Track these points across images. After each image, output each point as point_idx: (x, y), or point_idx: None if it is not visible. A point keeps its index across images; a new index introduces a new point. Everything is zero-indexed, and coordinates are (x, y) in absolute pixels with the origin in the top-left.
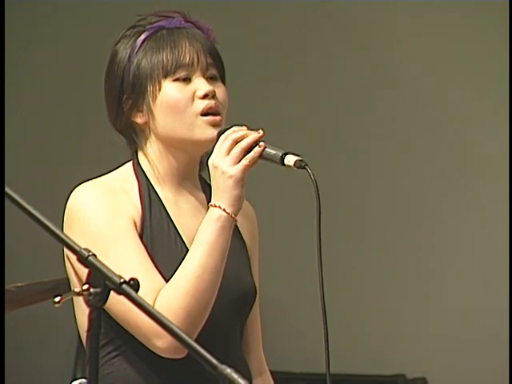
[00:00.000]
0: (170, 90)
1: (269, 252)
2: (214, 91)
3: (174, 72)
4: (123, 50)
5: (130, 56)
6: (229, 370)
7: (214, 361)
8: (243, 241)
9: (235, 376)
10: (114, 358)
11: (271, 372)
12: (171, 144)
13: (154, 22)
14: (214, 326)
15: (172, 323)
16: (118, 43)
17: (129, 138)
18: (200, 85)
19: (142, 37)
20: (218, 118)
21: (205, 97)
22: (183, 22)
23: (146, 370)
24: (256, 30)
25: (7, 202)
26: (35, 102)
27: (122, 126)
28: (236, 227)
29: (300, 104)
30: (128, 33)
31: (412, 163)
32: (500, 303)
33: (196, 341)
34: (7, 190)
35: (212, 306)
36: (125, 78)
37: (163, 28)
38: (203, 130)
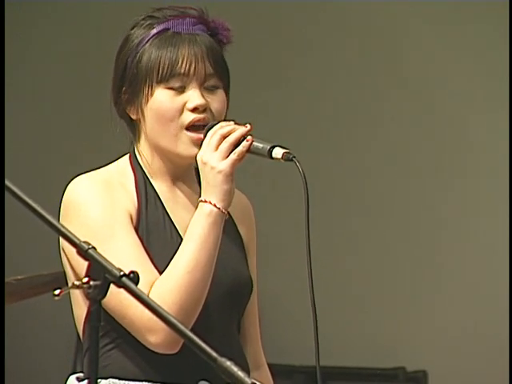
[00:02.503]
0: (161, 98)
1: (267, 244)
2: (206, 104)
3: (168, 80)
4: (133, 40)
5: (134, 49)
6: (229, 363)
7: (214, 353)
8: (239, 233)
9: (235, 369)
10: (110, 350)
11: (270, 365)
12: (158, 149)
13: (167, 19)
14: (210, 319)
15: (173, 316)
16: (133, 29)
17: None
18: (192, 97)
19: (150, 33)
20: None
21: (194, 110)
22: (192, 26)
23: (142, 362)
24: (256, 29)
25: (7, 194)
26: (34, 100)
27: (120, 114)
28: (231, 219)
29: (300, 103)
30: (143, 22)
31: (412, 162)
32: (500, 297)
33: (192, 333)
34: (7, 182)
35: (208, 299)
36: (126, 70)
37: (169, 29)
38: (186, 147)
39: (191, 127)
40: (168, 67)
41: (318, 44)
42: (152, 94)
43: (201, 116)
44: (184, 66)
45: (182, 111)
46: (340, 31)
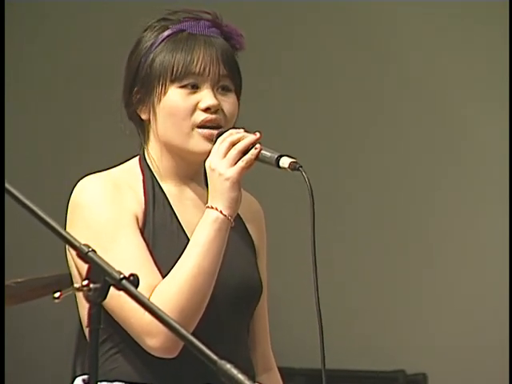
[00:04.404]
0: (174, 97)
1: (267, 247)
2: (219, 105)
3: (182, 79)
4: (145, 42)
5: (148, 50)
6: (228, 366)
7: (214, 356)
8: (250, 236)
9: (235, 371)
10: (116, 353)
11: None
12: (169, 148)
13: (181, 21)
14: (217, 320)
15: (173, 319)
16: (145, 31)
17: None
18: (205, 97)
19: (164, 34)
20: (215, 132)
21: (207, 110)
22: (207, 29)
23: (147, 366)
24: (255, 30)
25: (7, 197)
26: (33, 99)
27: (130, 115)
28: (242, 222)
29: (299, 104)
30: (155, 24)
31: (411, 163)
32: (500, 300)
33: (201, 335)
34: (7, 185)
35: (215, 300)
36: (139, 71)
37: (185, 30)
38: (198, 143)
39: (202, 127)
40: (182, 66)
41: (318, 44)
42: (165, 93)
43: (212, 116)
44: (199, 65)
45: (194, 110)
46: (340, 32)
